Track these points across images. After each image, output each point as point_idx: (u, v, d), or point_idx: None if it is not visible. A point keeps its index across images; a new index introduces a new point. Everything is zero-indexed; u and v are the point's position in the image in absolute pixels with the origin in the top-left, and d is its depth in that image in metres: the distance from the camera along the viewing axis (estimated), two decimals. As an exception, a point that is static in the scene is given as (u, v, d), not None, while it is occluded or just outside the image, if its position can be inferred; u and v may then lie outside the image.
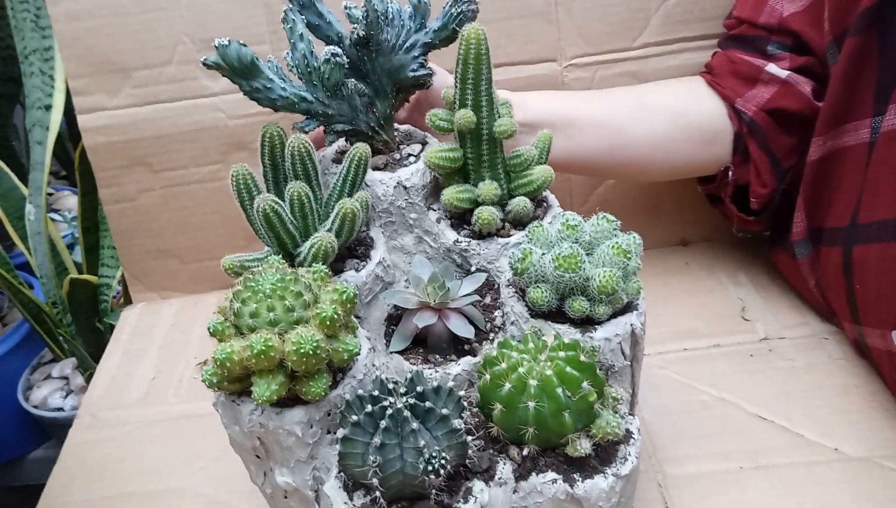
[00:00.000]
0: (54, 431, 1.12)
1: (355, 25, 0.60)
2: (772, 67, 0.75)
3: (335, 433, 0.51)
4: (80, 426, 0.80)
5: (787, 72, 0.74)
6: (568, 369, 0.48)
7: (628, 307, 0.55)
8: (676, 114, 0.77)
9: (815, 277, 0.77)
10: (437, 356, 0.57)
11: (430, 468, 0.44)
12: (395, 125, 0.69)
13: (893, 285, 0.64)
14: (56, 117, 0.92)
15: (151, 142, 0.90)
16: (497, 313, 0.60)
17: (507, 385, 0.48)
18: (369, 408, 0.46)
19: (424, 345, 0.59)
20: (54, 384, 1.12)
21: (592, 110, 0.77)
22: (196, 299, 0.98)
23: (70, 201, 1.38)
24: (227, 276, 0.97)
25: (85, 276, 1.01)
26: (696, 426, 0.69)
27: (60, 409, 1.08)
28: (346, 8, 0.61)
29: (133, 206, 0.93)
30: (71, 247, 1.19)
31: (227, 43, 0.53)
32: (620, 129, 0.77)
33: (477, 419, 0.51)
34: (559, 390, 0.47)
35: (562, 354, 0.48)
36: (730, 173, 0.79)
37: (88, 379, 1.09)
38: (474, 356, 0.57)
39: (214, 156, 0.91)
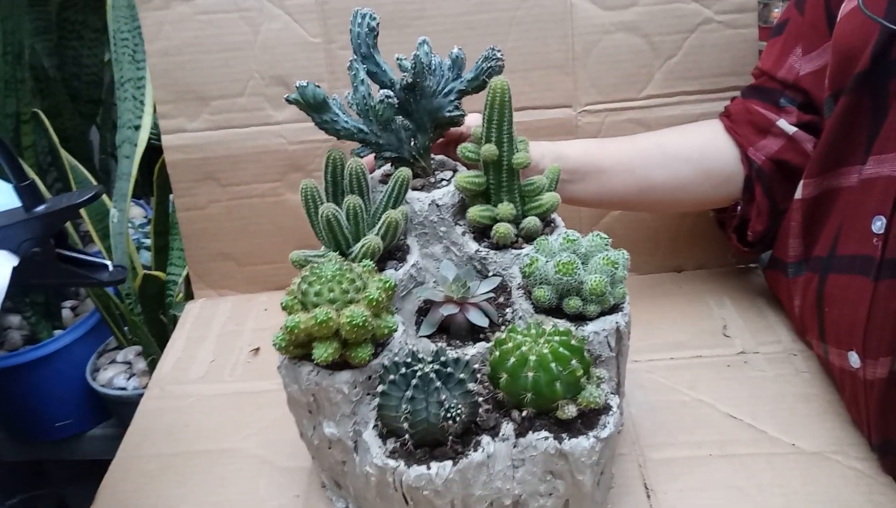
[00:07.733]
0: (116, 409, 1.27)
1: (405, 73, 0.74)
2: (782, 123, 0.86)
3: (373, 395, 0.64)
4: (150, 397, 0.94)
5: (795, 128, 0.85)
6: (561, 349, 0.60)
7: (615, 309, 0.68)
8: (696, 161, 0.89)
9: (800, 297, 0.88)
10: (458, 341, 0.70)
11: (448, 415, 0.57)
12: (431, 155, 0.83)
13: (852, 313, 0.74)
14: (143, 136, 1.08)
15: (221, 160, 1.05)
16: (508, 310, 0.73)
17: (512, 359, 0.60)
18: (403, 370, 0.59)
19: (447, 332, 0.71)
20: (119, 367, 1.26)
21: (622, 159, 0.89)
22: (248, 297, 1.12)
23: (134, 211, 1.55)
24: (274, 280, 1.13)
25: (155, 272, 1.16)
26: (674, 421, 0.81)
27: (123, 389, 1.22)
28: (397, 59, 0.76)
29: (202, 214, 1.08)
30: (137, 249, 1.34)
31: (305, 84, 0.68)
32: (647, 176, 0.89)
33: (487, 390, 0.64)
34: (553, 364, 0.59)
35: (556, 338, 0.61)
36: (738, 209, 0.91)
37: (150, 364, 1.23)
38: (488, 342, 0.69)
39: (274, 175, 1.06)
